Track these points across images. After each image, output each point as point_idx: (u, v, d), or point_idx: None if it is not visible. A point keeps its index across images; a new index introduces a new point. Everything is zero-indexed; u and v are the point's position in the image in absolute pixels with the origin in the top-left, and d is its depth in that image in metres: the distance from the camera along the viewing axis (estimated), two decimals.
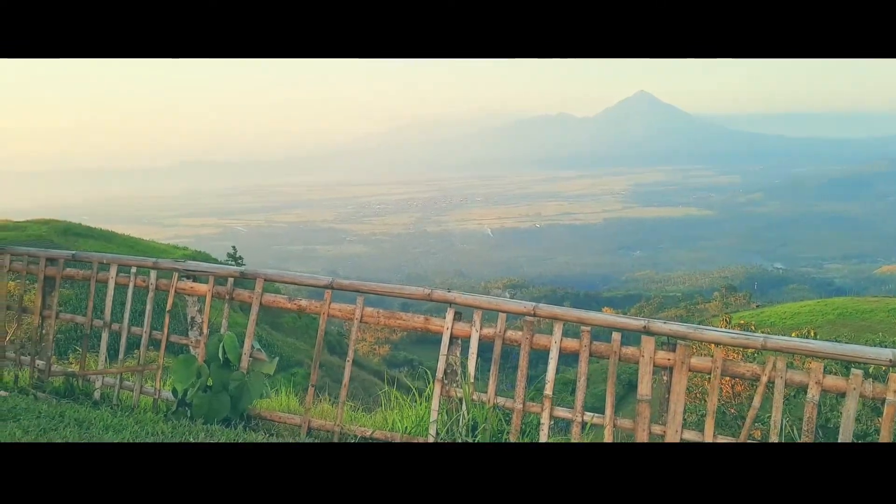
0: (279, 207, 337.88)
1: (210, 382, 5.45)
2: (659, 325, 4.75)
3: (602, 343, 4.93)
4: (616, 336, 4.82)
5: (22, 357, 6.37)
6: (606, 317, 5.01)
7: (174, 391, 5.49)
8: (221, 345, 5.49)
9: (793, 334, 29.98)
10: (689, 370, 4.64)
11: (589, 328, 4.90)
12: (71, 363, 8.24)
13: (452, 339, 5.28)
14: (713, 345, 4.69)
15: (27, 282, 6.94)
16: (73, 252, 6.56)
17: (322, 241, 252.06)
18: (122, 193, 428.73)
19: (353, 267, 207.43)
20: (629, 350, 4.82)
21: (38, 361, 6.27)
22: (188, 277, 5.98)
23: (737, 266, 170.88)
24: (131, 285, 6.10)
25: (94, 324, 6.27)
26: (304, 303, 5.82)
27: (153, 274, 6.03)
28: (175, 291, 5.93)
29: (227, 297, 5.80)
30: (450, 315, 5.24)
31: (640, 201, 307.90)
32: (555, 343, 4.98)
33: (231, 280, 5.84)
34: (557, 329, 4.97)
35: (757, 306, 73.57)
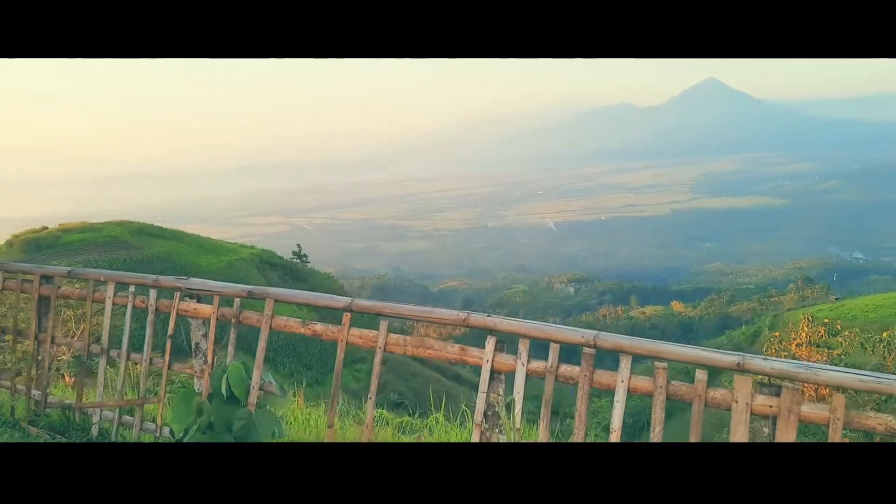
0: (343, 205, 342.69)
1: (213, 421, 4.63)
2: (758, 362, 3.62)
3: (682, 384, 3.85)
4: (701, 376, 3.74)
5: (18, 386, 5.77)
6: (687, 350, 3.86)
7: (171, 431, 4.72)
8: (225, 377, 4.65)
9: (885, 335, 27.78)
10: (800, 420, 3.53)
11: (665, 364, 3.83)
12: (72, 390, 7.62)
13: (494, 373, 4.32)
14: (832, 389, 3.56)
15: (23, 301, 6.26)
16: (70, 269, 5.95)
17: (385, 238, 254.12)
18: (191, 195, 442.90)
19: (415, 263, 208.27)
20: (718, 393, 3.74)
21: (34, 391, 5.67)
22: (191, 297, 5.29)
23: (813, 257, 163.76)
24: (129, 306, 5.45)
25: (92, 349, 5.65)
26: (318, 327, 4.92)
27: (153, 294, 5.36)
28: (177, 313, 5.28)
29: (233, 319, 5.05)
30: (490, 345, 4.27)
31: (709, 191, 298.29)
32: (621, 382, 3.95)
33: (238, 301, 5.06)
34: (625, 364, 3.94)
35: (836, 299, 69.82)
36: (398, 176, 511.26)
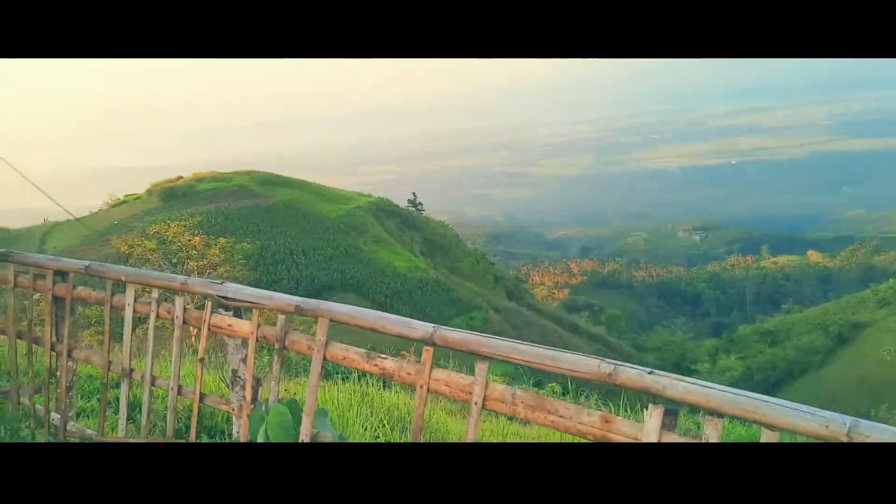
0: (454, 152, 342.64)
1: None
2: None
3: None
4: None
5: (37, 406, 5.02)
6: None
7: None
8: (265, 425, 3.63)
9: None
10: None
11: None
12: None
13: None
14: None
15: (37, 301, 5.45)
16: (87, 263, 4.94)
17: (497, 185, 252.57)
18: (312, 143, 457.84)
19: (529, 210, 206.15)
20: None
21: (53, 414, 4.90)
22: (226, 308, 4.12)
23: None
24: (153, 317, 4.41)
25: (113, 369, 4.69)
26: (389, 365, 3.47)
27: (179, 303, 4.29)
28: (208, 329, 4.13)
29: (276, 344, 3.87)
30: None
31: (850, 132, 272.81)
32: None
33: (282, 318, 3.84)
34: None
35: None
36: (512, 121, 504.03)
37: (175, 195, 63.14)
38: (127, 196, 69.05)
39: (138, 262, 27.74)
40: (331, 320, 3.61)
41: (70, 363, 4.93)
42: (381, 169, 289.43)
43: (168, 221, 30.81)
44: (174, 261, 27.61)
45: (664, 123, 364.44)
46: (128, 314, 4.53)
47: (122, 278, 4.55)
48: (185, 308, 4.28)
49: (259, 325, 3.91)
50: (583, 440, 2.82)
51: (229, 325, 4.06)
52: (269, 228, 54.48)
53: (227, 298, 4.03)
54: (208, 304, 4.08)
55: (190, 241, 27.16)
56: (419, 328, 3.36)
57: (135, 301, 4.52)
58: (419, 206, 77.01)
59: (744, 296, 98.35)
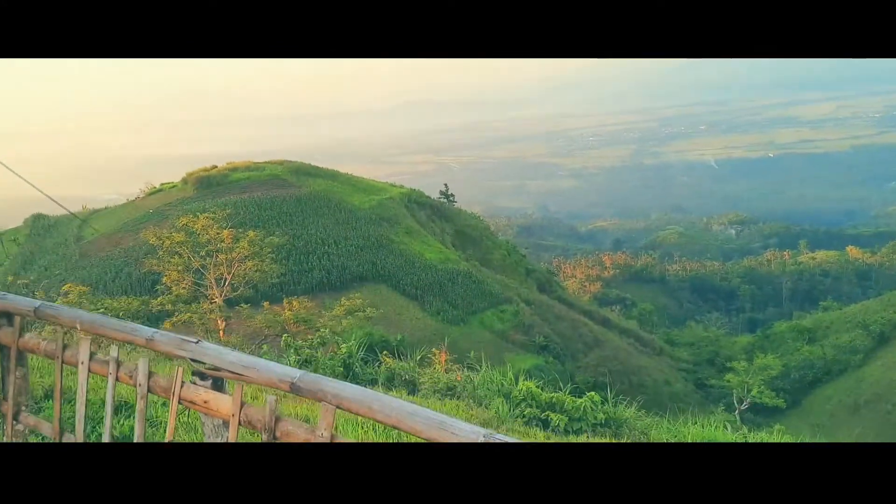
0: (492, 143, 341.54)
1: None
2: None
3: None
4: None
5: None
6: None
7: None
8: None
9: None
10: None
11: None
12: None
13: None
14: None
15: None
16: (38, 303, 3.92)
17: (533, 176, 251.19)
18: (348, 135, 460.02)
19: (563, 202, 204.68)
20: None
21: None
22: (202, 377, 3.14)
23: None
24: (111, 380, 3.49)
25: (65, 438, 3.75)
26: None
27: (142, 366, 3.35)
28: (178, 402, 3.19)
29: (264, 434, 2.87)
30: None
31: None
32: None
33: (272, 401, 2.86)
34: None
35: None
36: (548, 112, 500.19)
37: (209, 184, 63.87)
38: (163, 184, 70.09)
39: (167, 255, 27.99)
40: (338, 407, 2.69)
41: (17, 427, 3.96)
42: (418, 159, 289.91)
43: (197, 214, 30.89)
44: (202, 253, 27.81)
45: (704, 115, 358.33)
46: (81, 376, 3.60)
47: (77, 326, 3.62)
48: (149, 374, 3.37)
49: (243, 406, 2.94)
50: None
51: (205, 402, 3.08)
52: (301, 218, 54.76)
53: (202, 363, 3.08)
54: (178, 372, 3.19)
55: (218, 234, 27.26)
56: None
57: (90, 360, 3.59)
58: (451, 198, 76.88)
59: (780, 292, 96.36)
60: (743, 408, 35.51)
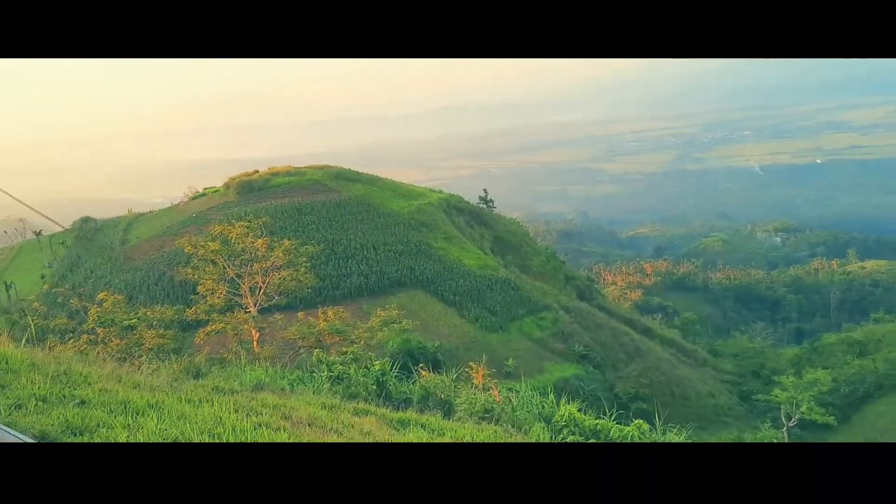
0: (533, 148, 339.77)
1: None
2: None
3: None
4: None
5: None
6: None
7: None
8: None
9: None
10: None
11: None
12: None
13: None
14: None
15: None
16: None
17: (574, 181, 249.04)
18: (388, 139, 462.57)
19: (604, 207, 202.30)
20: None
21: None
22: None
23: None
24: None
25: None
26: None
27: None
28: None
29: None
30: None
31: None
32: None
33: None
34: None
35: None
36: (590, 117, 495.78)
37: (251, 189, 64.56)
38: (206, 189, 71.11)
39: (202, 263, 28.04)
40: None
41: None
42: (459, 164, 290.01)
43: (233, 222, 30.77)
44: (237, 262, 27.81)
45: (747, 120, 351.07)
46: None
47: None
48: None
49: None
50: None
51: None
52: (341, 223, 54.93)
53: None
54: None
55: (253, 243, 27.18)
56: None
57: None
58: (490, 203, 76.39)
59: (828, 302, 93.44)
60: (791, 424, 34.29)
